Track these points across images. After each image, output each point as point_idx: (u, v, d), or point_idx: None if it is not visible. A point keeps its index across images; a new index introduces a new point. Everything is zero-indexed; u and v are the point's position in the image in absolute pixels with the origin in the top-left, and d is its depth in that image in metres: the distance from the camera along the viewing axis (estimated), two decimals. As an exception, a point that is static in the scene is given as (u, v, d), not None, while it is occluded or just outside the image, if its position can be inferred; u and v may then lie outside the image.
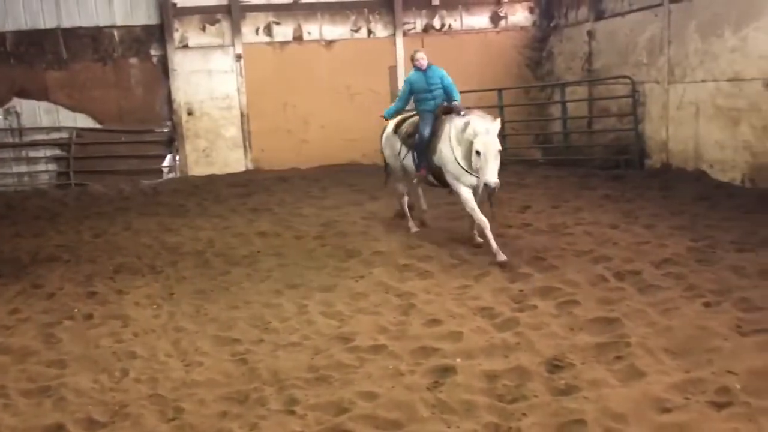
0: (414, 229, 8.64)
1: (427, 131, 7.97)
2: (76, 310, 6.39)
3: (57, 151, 14.30)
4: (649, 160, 11.96)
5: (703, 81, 10.51)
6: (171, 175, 14.66)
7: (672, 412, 3.80)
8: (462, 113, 7.55)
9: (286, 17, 14.83)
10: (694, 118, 10.74)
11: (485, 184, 7.10)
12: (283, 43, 14.88)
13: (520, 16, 15.80)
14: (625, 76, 12.08)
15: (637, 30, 12.13)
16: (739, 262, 6.28)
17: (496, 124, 7.15)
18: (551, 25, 15.50)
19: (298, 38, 14.92)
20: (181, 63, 14.42)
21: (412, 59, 8.27)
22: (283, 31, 14.86)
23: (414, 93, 8.21)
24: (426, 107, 8.15)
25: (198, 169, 14.67)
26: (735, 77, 9.83)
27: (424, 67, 8.12)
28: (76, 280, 7.42)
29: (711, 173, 10.36)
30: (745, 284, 5.71)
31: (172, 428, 4.07)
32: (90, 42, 14.18)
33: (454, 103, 7.91)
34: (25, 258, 8.53)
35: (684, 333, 4.79)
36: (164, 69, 14.44)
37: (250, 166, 14.90)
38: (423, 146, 8.00)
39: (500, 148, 7.04)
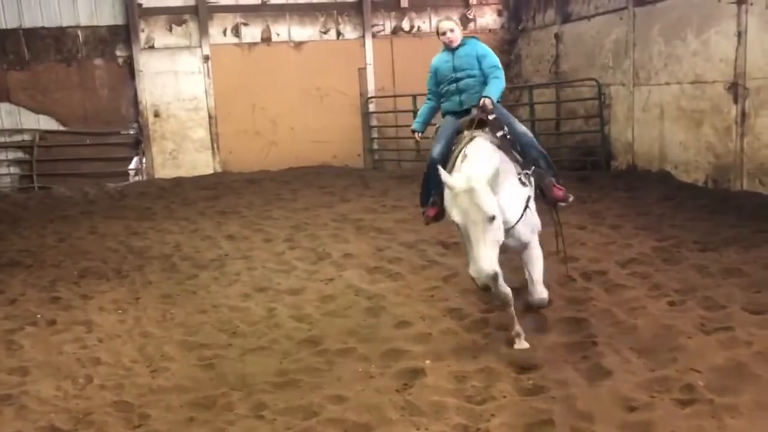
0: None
1: (436, 150, 5.20)
2: (39, 315, 6.26)
3: (19, 154, 14.01)
4: (615, 161, 12.13)
5: (667, 83, 10.69)
6: (137, 178, 14.46)
7: (638, 411, 3.85)
8: (490, 117, 5.01)
9: (254, 18, 14.73)
10: (658, 119, 10.93)
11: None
12: (252, 45, 14.77)
13: (488, 18, 15.92)
14: (591, 79, 12.24)
15: (602, 33, 12.30)
16: (702, 262, 6.39)
17: (485, 171, 4.30)
18: (519, 27, 15.64)
19: (266, 39, 14.83)
20: (147, 64, 14.23)
21: (437, 32, 5.44)
22: (252, 32, 14.76)
23: (439, 84, 5.47)
24: (449, 107, 5.43)
25: (165, 171, 14.49)
26: (697, 80, 10.02)
27: (454, 44, 5.33)
28: (39, 286, 7.26)
29: (675, 174, 10.54)
30: (709, 283, 5.81)
31: (137, 435, 4.01)
32: (53, 42, 13.92)
33: (482, 100, 5.00)
34: (-14, 263, 8.33)
35: (649, 332, 4.86)
36: (130, 70, 14.25)
37: (219, 169, 14.77)
38: (431, 172, 5.06)
39: (491, 213, 4.19)
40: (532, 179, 5.00)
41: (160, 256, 8.29)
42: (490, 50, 5.41)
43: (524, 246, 4.96)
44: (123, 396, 4.52)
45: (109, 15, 14.06)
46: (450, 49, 5.39)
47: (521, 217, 4.77)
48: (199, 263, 7.89)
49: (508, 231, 4.61)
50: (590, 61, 12.68)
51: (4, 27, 13.58)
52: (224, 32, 14.62)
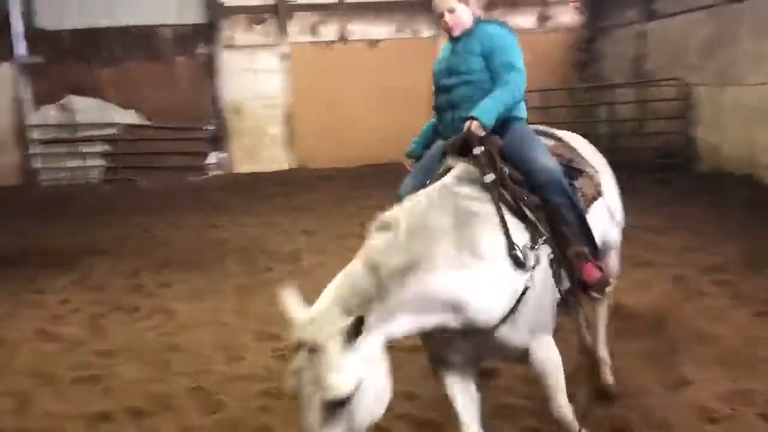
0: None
1: (404, 186, 3.72)
2: (123, 302, 6.54)
3: (107, 147, 14.69)
4: (700, 164, 11.68)
5: (757, 84, 10.21)
6: (216, 173, 14.91)
7: (719, 423, 3.71)
8: (475, 151, 3.13)
9: (331, 17, 14.94)
10: (746, 121, 10.45)
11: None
12: (329, 43, 14.98)
13: (567, 16, 15.61)
14: (675, 78, 11.83)
15: (688, 31, 11.87)
16: (792, 271, 6.09)
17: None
18: (600, 26, 15.26)
19: (343, 38, 15.01)
20: (228, 62, 14.66)
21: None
22: (329, 31, 14.97)
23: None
24: (442, 129, 3.65)
25: (243, 166, 14.89)
26: (791, 80, 9.53)
27: (455, 32, 3.53)
28: (123, 274, 7.59)
29: (764, 178, 10.06)
30: (799, 294, 5.54)
31: (214, 421, 4.14)
32: (142, 41, 14.53)
33: (467, 123, 3.18)
34: (76, 250, 8.76)
35: (732, 342, 4.67)
36: (211, 67, 14.70)
37: (294, 165, 15.05)
38: None
39: (341, 393, 2.39)
40: (539, 255, 3.01)
41: (237, 249, 8.53)
42: (507, 38, 3.49)
43: (523, 352, 3.08)
44: (201, 382, 4.67)
45: (193, 14, 14.56)
46: (453, 39, 3.59)
47: (507, 317, 2.90)
48: (274, 257, 8.08)
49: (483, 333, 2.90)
50: (675, 61, 12.24)
51: (98, 26, 14.26)
52: (302, 31, 14.89)
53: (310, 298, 6.34)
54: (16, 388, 4.67)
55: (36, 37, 14.31)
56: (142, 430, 4.05)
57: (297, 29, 14.88)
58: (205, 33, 14.63)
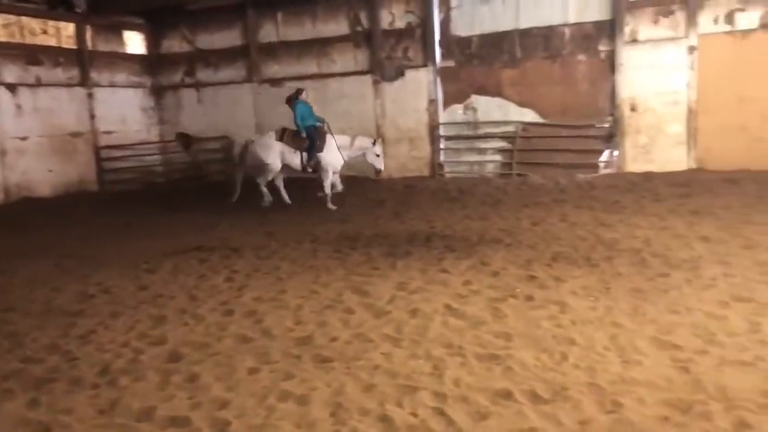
0: None
1: None
2: (518, 290, 6.86)
3: (503, 144, 15.58)
4: None
5: None
6: (607, 171, 14.66)
7: None
8: None
9: (753, 2, 13.38)
10: None
11: None
12: (746, 32, 13.46)
13: None
14: None
15: None
16: None
17: None
18: None
19: (765, 25, 13.33)
20: (628, 58, 14.25)
21: None
22: (749, 18, 13.43)
23: None
24: None
25: (635, 165, 14.38)
26: None
27: None
28: (516, 263, 7.96)
29: None
30: None
31: (611, 420, 4.08)
32: (542, 41, 15.05)
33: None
34: (473, 237, 9.51)
35: None
36: (611, 64, 14.47)
37: (693, 165, 13.98)
38: None
39: None
40: None
41: (629, 250, 8.27)
42: None
43: None
44: (596, 379, 4.65)
45: (595, 11, 14.51)
46: None
47: None
48: (670, 262, 7.62)
49: None
50: None
51: (502, 30, 15.21)
52: (715, 20, 13.67)
53: (711, 311, 5.88)
54: (431, 354, 5.28)
55: (450, 44, 15.87)
56: (540, 415, 4.20)
57: (709, 19, 13.69)
58: (608, 29, 14.42)
